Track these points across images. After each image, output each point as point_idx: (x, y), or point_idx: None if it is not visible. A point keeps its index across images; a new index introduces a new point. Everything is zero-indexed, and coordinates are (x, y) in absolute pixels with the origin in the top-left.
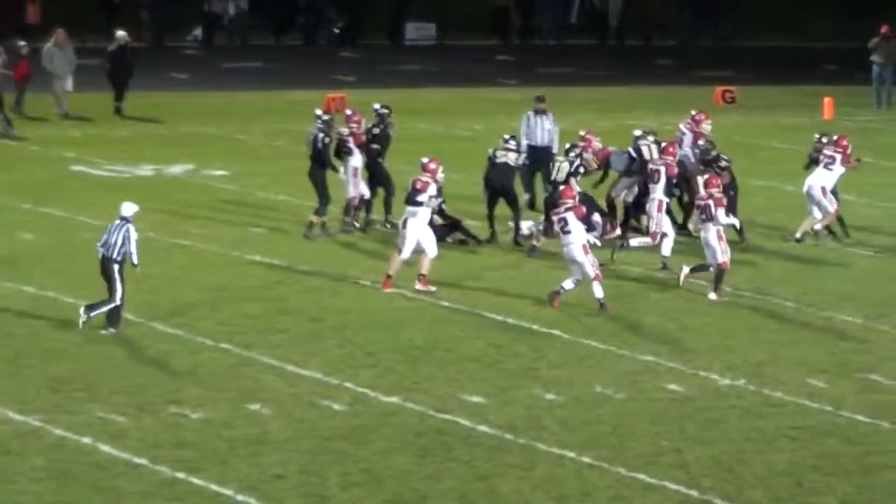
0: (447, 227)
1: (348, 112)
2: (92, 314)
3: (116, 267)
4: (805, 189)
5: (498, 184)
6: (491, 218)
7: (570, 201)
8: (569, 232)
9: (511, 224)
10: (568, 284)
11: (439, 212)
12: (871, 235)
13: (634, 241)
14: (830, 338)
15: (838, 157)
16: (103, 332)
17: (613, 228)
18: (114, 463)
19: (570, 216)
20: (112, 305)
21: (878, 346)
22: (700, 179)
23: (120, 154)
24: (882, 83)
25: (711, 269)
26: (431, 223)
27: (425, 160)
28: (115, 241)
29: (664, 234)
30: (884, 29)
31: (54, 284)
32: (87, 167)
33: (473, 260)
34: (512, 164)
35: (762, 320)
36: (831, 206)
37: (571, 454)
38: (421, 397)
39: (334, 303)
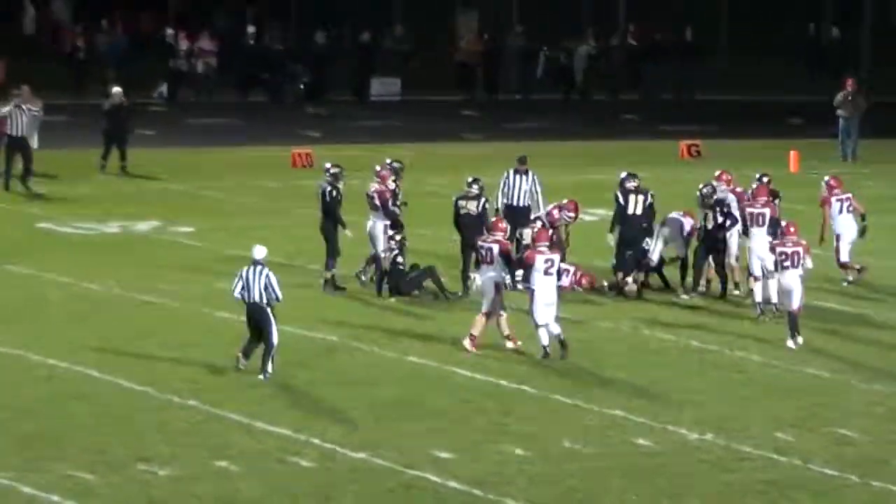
0: (421, 274)
1: (377, 168)
2: (265, 369)
3: (270, 311)
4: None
5: (468, 240)
6: (465, 272)
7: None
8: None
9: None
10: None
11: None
12: (836, 287)
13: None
14: (798, 392)
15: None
16: (260, 377)
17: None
18: None
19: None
20: (272, 350)
21: (846, 401)
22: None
23: (86, 211)
24: (848, 136)
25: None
26: (403, 272)
27: (493, 218)
28: (260, 287)
29: (756, 278)
30: (849, 84)
31: (22, 342)
32: (54, 224)
33: (442, 314)
34: (473, 213)
35: (730, 374)
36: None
37: None
38: (389, 453)
39: (303, 359)
